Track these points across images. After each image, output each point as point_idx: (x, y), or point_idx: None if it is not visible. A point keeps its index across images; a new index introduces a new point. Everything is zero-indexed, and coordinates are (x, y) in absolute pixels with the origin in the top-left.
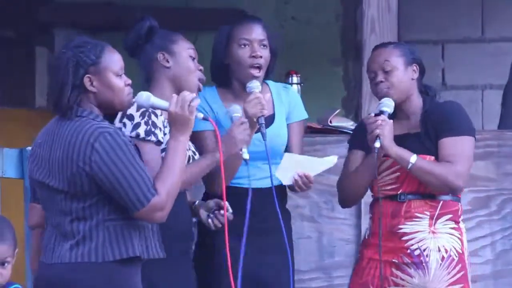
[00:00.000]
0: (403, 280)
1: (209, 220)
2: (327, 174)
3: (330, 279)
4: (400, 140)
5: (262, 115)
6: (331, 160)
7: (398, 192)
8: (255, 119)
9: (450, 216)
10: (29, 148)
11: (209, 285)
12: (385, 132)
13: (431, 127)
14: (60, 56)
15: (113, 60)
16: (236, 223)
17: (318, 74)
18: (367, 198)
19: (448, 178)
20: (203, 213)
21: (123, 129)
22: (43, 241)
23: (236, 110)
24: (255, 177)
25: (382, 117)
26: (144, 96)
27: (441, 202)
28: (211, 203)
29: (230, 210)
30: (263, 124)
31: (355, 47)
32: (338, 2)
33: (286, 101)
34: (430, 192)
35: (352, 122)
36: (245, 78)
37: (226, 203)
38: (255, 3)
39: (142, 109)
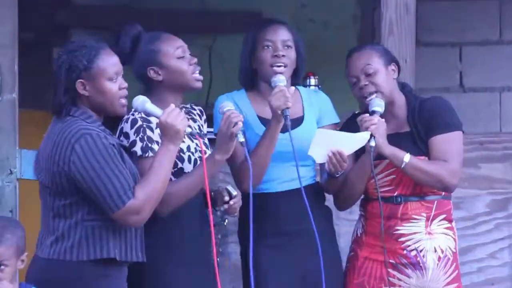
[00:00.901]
0: (400, 280)
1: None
2: None
3: None
4: (391, 139)
5: (287, 107)
6: (364, 137)
7: (394, 194)
8: (280, 112)
9: (444, 216)
10: None
11: None
12: (379, 131)
13: (420, 125)
14: (57, 59)
15: (107, 65)
16: (269, 230)
17: (336, 76)
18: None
19: (443, 177)
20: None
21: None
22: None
23: (227, 105)
24: (284, 179)
25: (376, 116)
26: (140, 100)
27: (436, 202)
28: (223, 192)
29: (234, 193)
30: (288, 116)
31: None
32: (355, 4)
33: (316, 105)
34: (425, 193)
35: None
36: (269, 79)
37: (229, 188)
38: (273, 6)
39: (137, 125)
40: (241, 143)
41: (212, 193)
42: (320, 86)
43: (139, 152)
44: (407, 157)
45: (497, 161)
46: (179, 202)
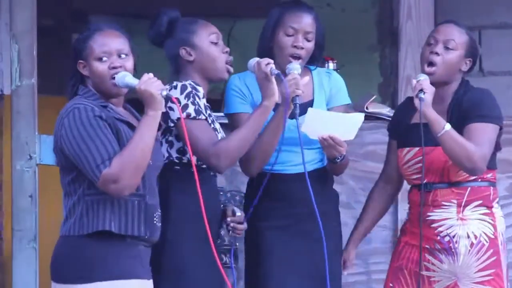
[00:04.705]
0: (433, 265)
1: (231, 234)
2: (364, 160)
3: (367, 266)
4: (426, 124)
5: (297, 95)
6: (358, 119)
7: (424, 182)
8: (290, 99)
9: (480, 202)
10: None
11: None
12: (430, 90)
13: (457, 114)
14: None
15: (96, 45)
16: (277, 210)
17: (355, 60)
18: (405, 185)
19: (475, 155)
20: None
21: (170, 113)
22: None
23: (254, 59)
24: (292, 163)
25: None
26: (120, 76)
27: (469, 188)
28: (225, 212)
29: (238, 213)
30: (297, 104)
31: (391, 34)
32: None
33: (327, 87)
34: (456, 180)
35: (388, 108)
36: (284, 65)
37: (235, 208)
38: None
39: (187, 91)
40: (278, 74)
41: (222, 206)
42: (338, 71)
43: (193, 114)
44: (448, 126)
45: None
46: (234, 156)
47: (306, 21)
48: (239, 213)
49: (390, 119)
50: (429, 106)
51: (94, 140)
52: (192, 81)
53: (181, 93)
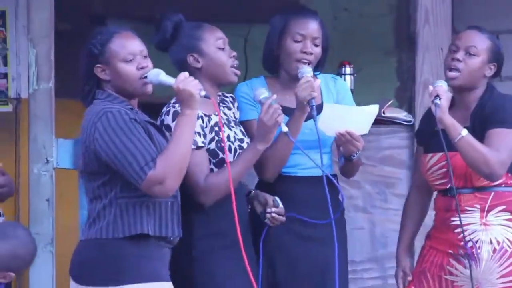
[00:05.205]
0: (457, 270)
1: (267, 221)
2: (380, 165)
3: (383, 270)
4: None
5: (313, 98)
6: (373, 111)
7: (447, 187)
8: (305, 102)
9: (503, 207)
10: None
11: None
12: (446, 96)
13: (479, 120)
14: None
15: (120, 47)
16: (286, 211)
17: (371, 64)
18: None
19: (492, 160)
20: (257, 207)
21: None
22: None
23: (262, 92)
24: (305, 166)
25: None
26: (154, 73)
27: (492, 193)
28: (265, 198)
29: (281, 205)
30: (314, 107)
31: (408, 38)
32: None
33: (334, 91)
34: (480, 185)
35: (405, 113)
36: (292, 71)
37: (277, 198)
38: None
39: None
40: (286, 133)
41: (253, 193)
42: (355, 75)
43: None
44: (464, 131)
45: None
46: (223, 193)
47: (313, 27)
48: (281, 205)
49: (407, 123)
50: (445, 112)
51: (135, 143)
52: None
53: (173, 119)
